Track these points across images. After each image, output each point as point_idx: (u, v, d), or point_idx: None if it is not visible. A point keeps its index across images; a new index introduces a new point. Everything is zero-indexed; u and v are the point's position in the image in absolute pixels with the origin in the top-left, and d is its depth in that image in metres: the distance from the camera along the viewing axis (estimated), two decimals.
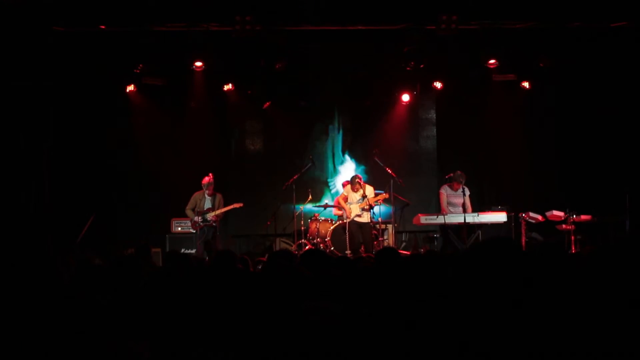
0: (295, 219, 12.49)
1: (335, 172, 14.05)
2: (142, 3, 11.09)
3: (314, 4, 11.01)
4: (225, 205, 11.73)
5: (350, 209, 11.91)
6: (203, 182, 11.69)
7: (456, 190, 11.64)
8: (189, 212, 11.71)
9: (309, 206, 12.77)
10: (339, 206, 12.38)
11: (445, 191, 11.81)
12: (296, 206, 12.45)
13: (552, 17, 11.67)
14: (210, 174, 11.83)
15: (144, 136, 13.28)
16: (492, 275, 1.87)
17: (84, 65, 11.99)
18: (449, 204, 11.72)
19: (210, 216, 11.60)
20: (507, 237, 1.95)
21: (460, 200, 11.58)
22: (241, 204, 11.77)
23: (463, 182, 11.58)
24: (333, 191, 13.87)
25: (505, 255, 1.91)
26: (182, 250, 10.94)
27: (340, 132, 14.31)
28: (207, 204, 11.66)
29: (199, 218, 11.54)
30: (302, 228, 12.42)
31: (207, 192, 11.68)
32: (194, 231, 11.64)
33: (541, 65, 12.98)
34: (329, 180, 13.98)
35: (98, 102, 12.55)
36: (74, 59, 11.79)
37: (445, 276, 2.61)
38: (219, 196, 11.75)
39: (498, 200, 12.95)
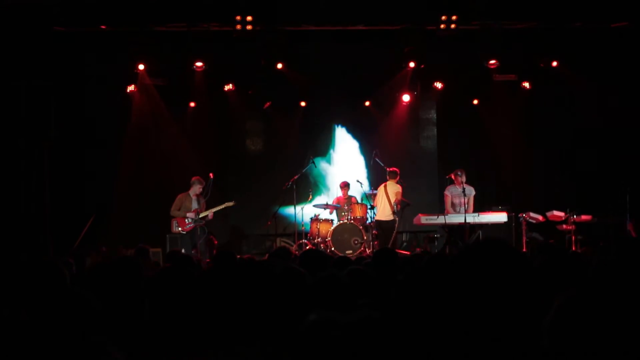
0: (295, 219, 12.47)
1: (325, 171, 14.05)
2: (142, 3, 11.08)
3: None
4: (211, 207, 11.69)
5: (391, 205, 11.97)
6: (196, 179, 11.62)
7: (459, 187, 11.62)
8: (175, 212, 11.61)
9: (309, 206, 12.74)
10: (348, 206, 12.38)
11: (449, 192, 11.81)
12: (296, 206, 12.42)
13: (552, 17, 11.66)
14: (211, 174, 11.83)
15: (145, 136, 13.27)
16: (485, 280, 1.85)
17: (84, 65, 11.99)
18: (453, 204, 11.74)
19: (203, 215, 11.56)
20: (500, 239, 1.91)
21: (463, 200, 11.58)
22: (233, 202, 11.76)
23: (462, 176, 11.58)
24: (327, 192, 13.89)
25: (499, 258, 1.89)
26: (183, 251, 10.90)
27: (340, 132, 14.32)
28: (195, 205, 11.63)
29: (192, 218, 11.48)
30: (303, 228, 12.40)
31: (196, 190, 11.60)
32: (184, 232, 11.57)
33: (541, 65, 12.98)
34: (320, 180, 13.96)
35: (98, 102, 12.55)
36: (74, 59, 11.78)
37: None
38: (202, 198, 11.73)
39: (498, 200, 12.94)
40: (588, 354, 2.03)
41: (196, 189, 11.62)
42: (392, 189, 12.02)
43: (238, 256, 5.65)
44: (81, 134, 12.44)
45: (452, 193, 11.79)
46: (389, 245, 11.41)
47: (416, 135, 14.40)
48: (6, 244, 9.75)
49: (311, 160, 12.96)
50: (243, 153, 14.14)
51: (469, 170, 12.22)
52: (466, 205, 11.48)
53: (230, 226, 13.41)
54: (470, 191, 11.68)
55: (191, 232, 11.53)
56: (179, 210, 11.60)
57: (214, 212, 11.72)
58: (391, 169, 12.26)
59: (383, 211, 12.01)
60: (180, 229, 11.67)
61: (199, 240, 11.52)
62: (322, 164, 14.03)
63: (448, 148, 14.02)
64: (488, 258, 1.88)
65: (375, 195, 12.33)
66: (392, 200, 11.96)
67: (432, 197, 13.65)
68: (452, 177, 11.73)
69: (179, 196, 11.71)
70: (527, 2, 11.46)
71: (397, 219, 12.03)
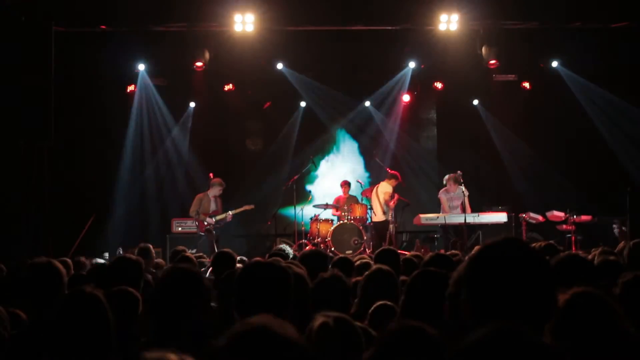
0: (295, 219, 12.45)
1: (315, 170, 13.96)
2: (142, 3, 11.08)
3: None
4: (232, 208, 11.69)
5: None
6: (217, 181, 11.60)
7: (454, 192, 11.64)
8: (195, 214, 11.57)
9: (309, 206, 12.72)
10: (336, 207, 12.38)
11: (444, 195, 11.84)
12: (296, 206, 12.41)
13: (552, 17, 11.66)
14: (211, 174, 11.83)
15: (144, 136, 13.27)
16: (506, 278, 1.83)
17: (84, 65, 11.98)
18: (450, 207, 11.76)
19: (220, 218, 11.54)
20: (515, 237, 1.89)
21: (459, 202, 11.60)
22: (252, 206, 11.76)
23: (454, 182, 11.59)
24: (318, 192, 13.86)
25: (519, 255, 1.87)
26: (194, 251, 10.82)
27: (340, 132, 14.32)
28: (213, 207, 11.59)
29: (212, 220, 11.46)
30: (303, 228, 12.38)
31: (216, 192, 11.57)
32: (202, 233, 11.52)
33: (541, 65, 12.98)
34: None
35: (98, 102, 12.54)
36: (74, 59, 11.78)
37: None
38: (219, 200, 11.72)
39: (498, 200, 12.94)
40: (591, 353, 2.03)
41: (216, 190, 11.58)
42: (382, 189, 12.05)
43: (238, 257, 5.65)
44: (81, 134, 12.43)
45: (447, 196, 11.81)
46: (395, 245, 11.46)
47: (416, 135, 14.40)
48: (6, 244, 9.75)
49: (311, 160, 12.95)
50: (243, 153, 14.13)
51: (468, 170, 12.21)
52: (464, 207, 11.50)
53: (230, 226, 13.37)
54: (465, 192, 11.66)
55: (206, 234, 11.50)
56: (198, 210, 11.53)
57: (232, 215, 11.68)
58: (392, 172, 12.27)
59: (376, 212, 12.06)
60: (180, 228, 11.64)
61: (200, 239, 11.50)
62: (322, 164, 14.01)
63: (448, 148, 14.02)
64: (508, 256, 1.86)
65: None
66: (382, 200, 11.99)
67: (432, 197, 13.61)
68: (450, 186, 11.70)
69: (198, 196, 11.66)
70: (527, 2, 11.45)
71: (388, 219, 12.00)
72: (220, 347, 1.40)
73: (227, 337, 1.42)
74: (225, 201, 12.01)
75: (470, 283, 1.84)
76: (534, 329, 1.80)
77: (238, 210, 11.68)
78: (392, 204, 12.04)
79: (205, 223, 11.46)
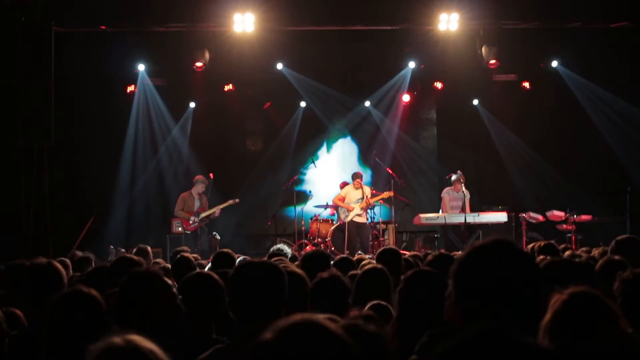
0: (295, 219, 12.46)
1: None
2: (142, 3, 11.09)
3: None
4: (213, 205, 11.71)
5: (352, 207, 11.89)
6: (199, 178, 11.64)
7: (458, 192, 11.67)
8: (179, 213, 11.62)
9: (309, 206, 12.73)
10: (334, 206, 12.38)
11: (447, 195, 11.86)
12: (296, 206, 12.41)
13: (552, 17, 11.67)
14: (211, 174, 11.86)
15: (144, 136, 13.28)
16: (495, 279, 1.84)
17: (84, 65, 11.99)
18: (451, 207, 11.77)
19: (207, 214, 11.57)
20: (505, 237, 1.88)
21: (460, 203, 11.62)
22: (236, 200, 11.80)
23: (463, 182, 11.61)
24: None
25: (508, 257, 1.88)
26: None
27: (340, 132, 14.32)
28: (197, 204, 11.65)
29: (196, 218, 11.51)
30: (303, 228, 12.39)
31: (199, 189, 11.62)
32: (189, 232, 11.57)
33: (541, 65, 12.98)
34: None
35: (98, 102, 12.55)
36: (74, 59, 11.79)
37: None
38: (204, 197, 11.75)
39: (498, 200, 12.94)
40: (586, 353, 2.03)
41: (199, 187, 11.64)
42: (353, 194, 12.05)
43: (238, 256, 5.64)
44: (81, 134, 12.44)
45: (450, 196, 11.82)
46: (345, 248, 11.41)
47: (416, 135, 14.40)
48: (6, 244, 9.76)
49: (311, 160, 12.95)
50: (243, 153, 14.13)
51: (468, 169, 12.21)
52: (464, 208, 11.52)
53: (230, 226, 13.38)
54: (467, 194, 11.70)
55: (194, 232, 11.54)
56: (182, 209, 11.61)
57: (220, 210, 11.72)
58: (357, 172, 12.20)
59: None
60: (180, 229, 11.64)
61: (199, 240, 11.53)
62: (321, 164, 14.01)
63: (448, 148, 14.02)
64: (496, 257, 1.86)
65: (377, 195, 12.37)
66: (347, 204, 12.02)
67: (432, 197, 13.64)
68: (452, 181, 11.70)
69: (182, 195, 11.73)
70: (527, 2, 11.45)
71: (343, 221, 11.97)
72: (267, 341, 1.38)
73: (274, 330, 1.39)
74: (228, 199, 11.99)
75: (459, 284, 1.85)
76: (523, 330, 1.81)
77: (223, 205, 11.70)
78: (370, 202, 11.94)
79: (190, 221, 11.51)
